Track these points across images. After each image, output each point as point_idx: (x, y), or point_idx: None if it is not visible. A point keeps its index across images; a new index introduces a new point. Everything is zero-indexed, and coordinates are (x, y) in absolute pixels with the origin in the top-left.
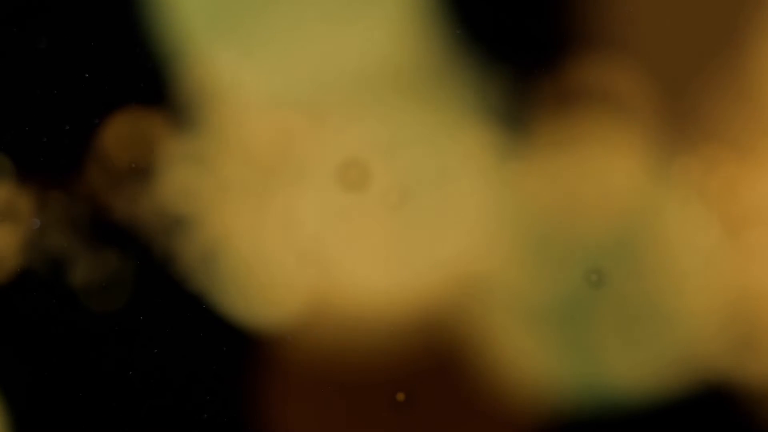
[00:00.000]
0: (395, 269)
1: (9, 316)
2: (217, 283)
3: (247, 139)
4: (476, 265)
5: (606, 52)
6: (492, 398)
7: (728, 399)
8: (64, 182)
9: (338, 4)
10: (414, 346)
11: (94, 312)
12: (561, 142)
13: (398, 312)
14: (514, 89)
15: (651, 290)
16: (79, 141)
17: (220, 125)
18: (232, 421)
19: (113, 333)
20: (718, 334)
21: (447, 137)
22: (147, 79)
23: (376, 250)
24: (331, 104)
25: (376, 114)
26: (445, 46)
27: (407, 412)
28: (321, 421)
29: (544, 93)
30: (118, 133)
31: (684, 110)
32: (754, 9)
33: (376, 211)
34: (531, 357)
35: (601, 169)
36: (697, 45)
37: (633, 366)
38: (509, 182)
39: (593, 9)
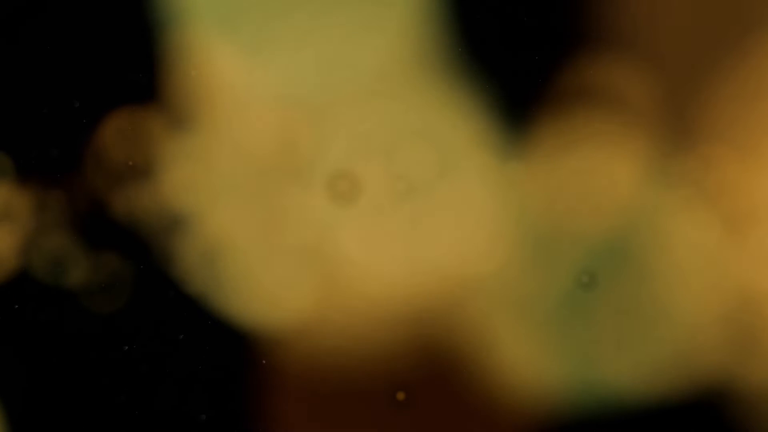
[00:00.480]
0: (395, 268)
1: (8, 316)
2: (217, 283)
3: (249, 137)
4: (475, 264)
5: (609, 52)
6: (490, 398)
7: (727, 399)
8: (64, 182)
9: (345, 4)
10: (413, 346)
11: (93, 312)
12: (563, 141)
13: (397, 311)
14: (517, 88)
15: (651, 290)
16: (78, 141)
17: (221, 123)
18: (231, 422)
19: (112, 333)
20: (719, 334)
21: (449, 136)
22: (147, 77)
23: (376, 249)
24: (333, 103)
25: (378, 113)
26: (449, 46)
27: (406, 412)
28: (321, 421)
29: (547, 92)
30: (118, 133)
31: (686, 110)
32: (756, 9)
33: (377, 210)
34: (530, 356)
35: (603, 168)
36: (699, 44)
37: (633, 366)
38: (510, 181)
39: (596, 9)
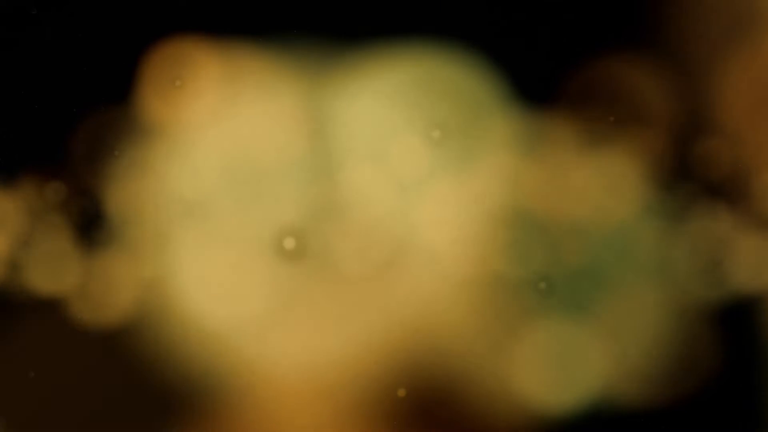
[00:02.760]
0: (393, 266)
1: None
2: (207, 288)
3: (242, 138)
4: (474, 262)
5: (618, 50)
6: (481, 403)
7: (722, 400)
8: (56, 184)
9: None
10: (408, 348)
11: (88, 318)
12: (571, 139)
13: (395, 310)
14: (530, 88)
15: (651, 290)
16: (70, 142)
17: (215, 123)
18: (226, 426)
19: (108, 338)
20: (717, 334)
21: (455, 132)
22: (135, 79)
23: (375, 248)
24: (329, 102)
25: (379, 110)
26: (462, 48)
27: (402, 414)
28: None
29: (555, 91)
30: (110, 134)
31: (695, 108)
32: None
33: (376, 209)
34: (525, 356)
35: (609, 167)
36: (711, 42)
37: (629, 367)
38: (517, 179)
39: (602, 9)
